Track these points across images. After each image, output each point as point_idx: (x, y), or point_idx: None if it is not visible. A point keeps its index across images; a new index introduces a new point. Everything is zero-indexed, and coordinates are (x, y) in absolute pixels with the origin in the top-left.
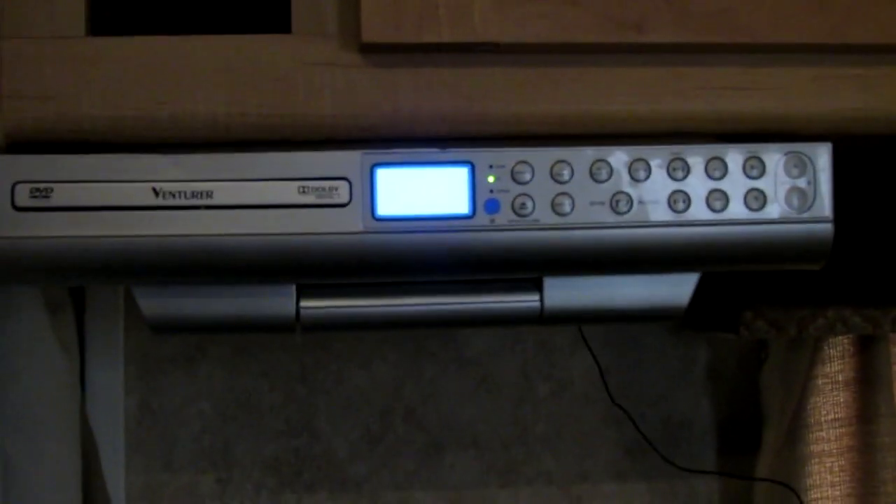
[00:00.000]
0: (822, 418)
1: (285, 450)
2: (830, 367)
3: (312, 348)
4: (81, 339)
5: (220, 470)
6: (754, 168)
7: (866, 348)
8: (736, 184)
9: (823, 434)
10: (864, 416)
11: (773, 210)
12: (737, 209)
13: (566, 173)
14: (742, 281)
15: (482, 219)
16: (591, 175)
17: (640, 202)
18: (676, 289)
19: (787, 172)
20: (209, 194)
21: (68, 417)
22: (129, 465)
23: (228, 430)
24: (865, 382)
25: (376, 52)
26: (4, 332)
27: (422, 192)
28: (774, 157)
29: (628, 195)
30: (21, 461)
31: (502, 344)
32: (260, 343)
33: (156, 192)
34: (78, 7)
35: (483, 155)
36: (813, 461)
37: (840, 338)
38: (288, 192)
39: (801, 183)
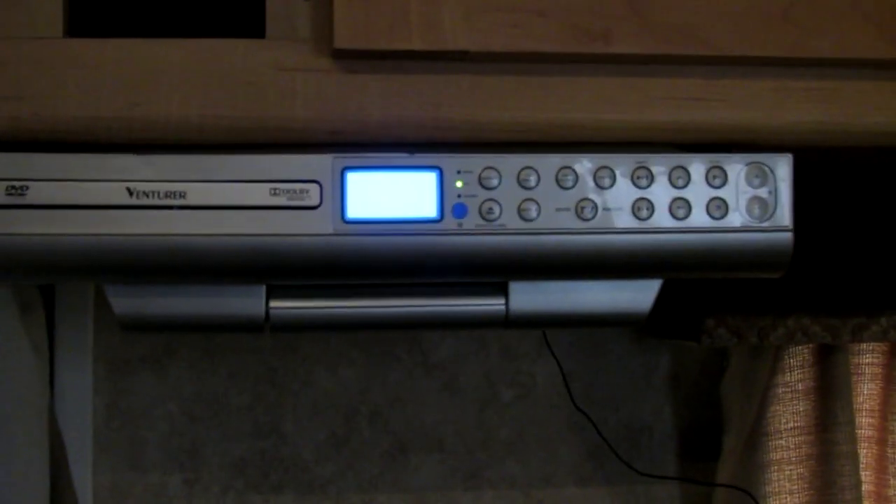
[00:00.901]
0: (782, 426)
1: (252, 451)
2: (790, 375)
3: (280, 351)
4: (51, 340)
5: (188, 471)
6: (716, 178)
7: (826, 358)
8: (698, 193)
9: (783, 442)
10: (823, 424)
11: (735, 219)
12: (699, 217)
13: (533, 179)
14: (704, 289)
15: (450, 223)
16: (557, 182)
17: (605, 209)
18: (639, 294)
19: (749, 182)
20: (182, 195)
21: (37, 417)
22: (97, 466)
23: (196, 432)
24: (824, 391)
25: (348, 58)
26: None
27: (391, 195)
28: (736, 167)
29: (593, 202)
30: None
31: (467, 349)
32: (228, 345)
33: (130, 192)
34: (55, 8)
35: (451, 160)
36: (772, 468)
37: (800, 347)
38: (259, 194)
39: (762, 192)
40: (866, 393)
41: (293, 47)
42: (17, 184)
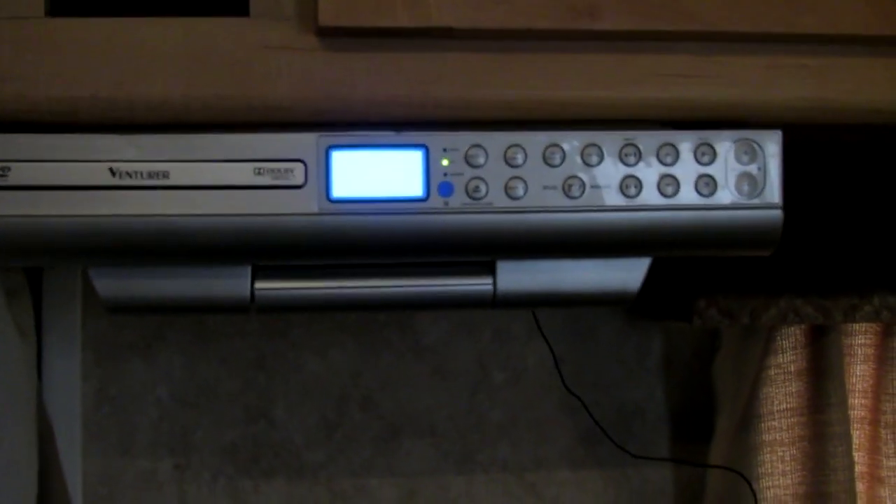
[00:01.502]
0: (775, 408)
1: (243, 437)
2: (783, 357)
3: (271, 336)
4: (39, 325)
5: (178, 456)
6: (705, 154)
7: (818, 339)
8: (687, 170)
9: (775, 423)
10: (816, 405)
11: (724, 196)
12: (688, 194)
13: (520, 157)
14: (696, 269)
15: (436, 201)
16: (545, 159)
17: (593, 187)
18: (628, 273)
19: (738, 159)
20: (165, 175)
21: (25, 403)
22: (87, 452)
23: (186, 417)
24: (817, 373)
25: (333, 36)
26: None
27: (377, 174)
28: (725, 143)
29: (581, 180)
30: None
31: (458, 332)
32: (218, 330)
33: (112, 172)
34: None
35: (437, 138)
36: (765, 450)
37: (792, 328)
38: (244, 174)
39: (752, 169)
40: (859, 374)
41: (277, 25)
42: None
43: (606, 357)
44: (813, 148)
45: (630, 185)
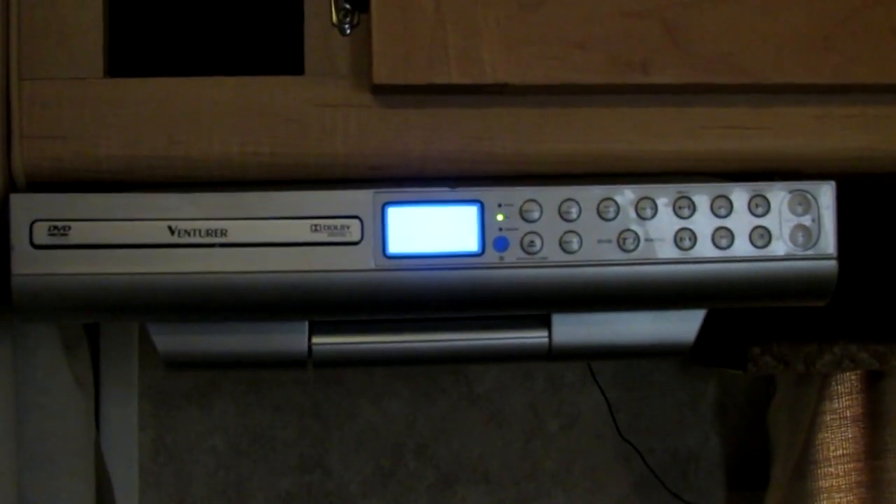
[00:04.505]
0: (831, 454)
1: (298, 485)
2: (838, 402)
3: (325, 384)
4: (96, 376)
5: None
6: (759, 206)
7: (874, 384)
8: (741, 222)
9: (832, 470)
10: (873, 451)
11: (778, 247)
12: (742, 246)
13: (574, 211)
14: (750, 317)
15: (491, 256)
16: (599, 213)
17: (647, 240)
18: (683, 325)
19: (792, 210)
20: (223, 232)
21: (83, 453)
22: (144, 501)
23: (242, 466)
24: (873, 418)
25: (387, 93)
26: (21, 367)
27: (432, 230)
28: (779, 195)
29: (635, 233)
30: (36, 496)
31: (512, 380)
32: (273, 379)
33: (171, 231)
34: (96, 49)
35: (492, 193)
36: (822, 497)
37: (848, 374)
38: (301, 231)
39: (806, 221)
40: None
41: (332, 83)
42: (59, 224)
43: (660, 404)
44: (866, 192)
45: (684, 237)
